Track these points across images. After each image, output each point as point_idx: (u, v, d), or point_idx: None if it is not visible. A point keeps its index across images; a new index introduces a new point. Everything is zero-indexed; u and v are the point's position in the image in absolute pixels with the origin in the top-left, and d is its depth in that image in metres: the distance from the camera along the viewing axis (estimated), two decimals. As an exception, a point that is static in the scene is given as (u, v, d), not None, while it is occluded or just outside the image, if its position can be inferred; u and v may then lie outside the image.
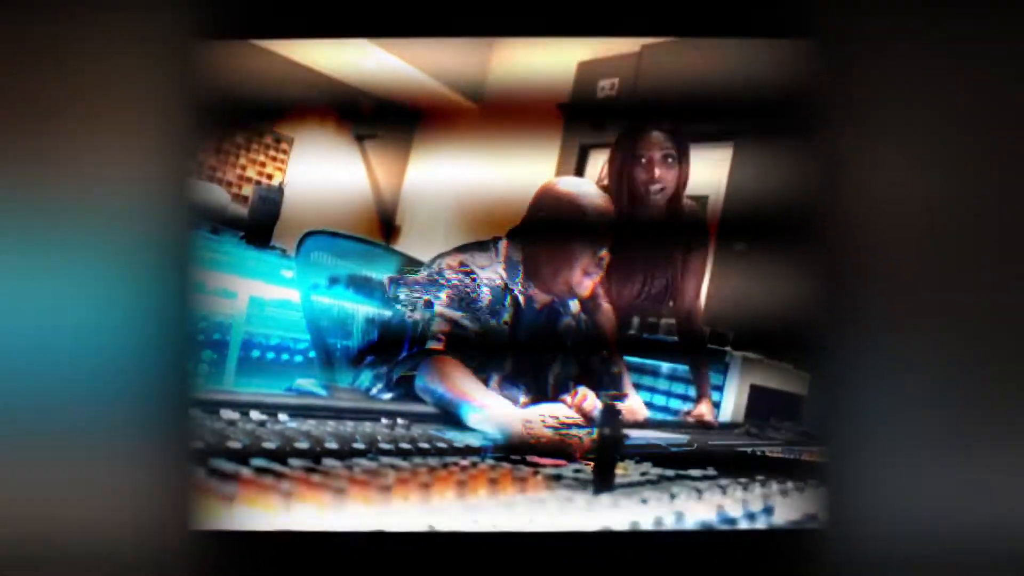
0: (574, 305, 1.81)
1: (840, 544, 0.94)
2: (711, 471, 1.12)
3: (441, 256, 1.62)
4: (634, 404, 1.94)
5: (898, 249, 0.95)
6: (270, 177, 4.93)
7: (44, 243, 0.83)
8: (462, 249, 1.65)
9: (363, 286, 1.94)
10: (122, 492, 0.83)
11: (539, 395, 1.69)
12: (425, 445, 1.06)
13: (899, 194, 0.95)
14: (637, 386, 2.66)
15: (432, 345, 1.47)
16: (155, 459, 0.84)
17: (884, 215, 0.95)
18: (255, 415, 1.07)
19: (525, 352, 1.68)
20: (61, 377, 0.82)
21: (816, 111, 0.99)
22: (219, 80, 0.93)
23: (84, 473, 0.83)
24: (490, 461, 1.03)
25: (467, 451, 1.10)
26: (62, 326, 0.82)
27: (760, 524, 0.89)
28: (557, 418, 1.23)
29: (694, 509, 0.90)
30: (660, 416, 2.66)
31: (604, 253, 1.64)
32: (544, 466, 1.06)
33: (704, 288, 2.44)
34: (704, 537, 0.87)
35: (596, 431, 0.98)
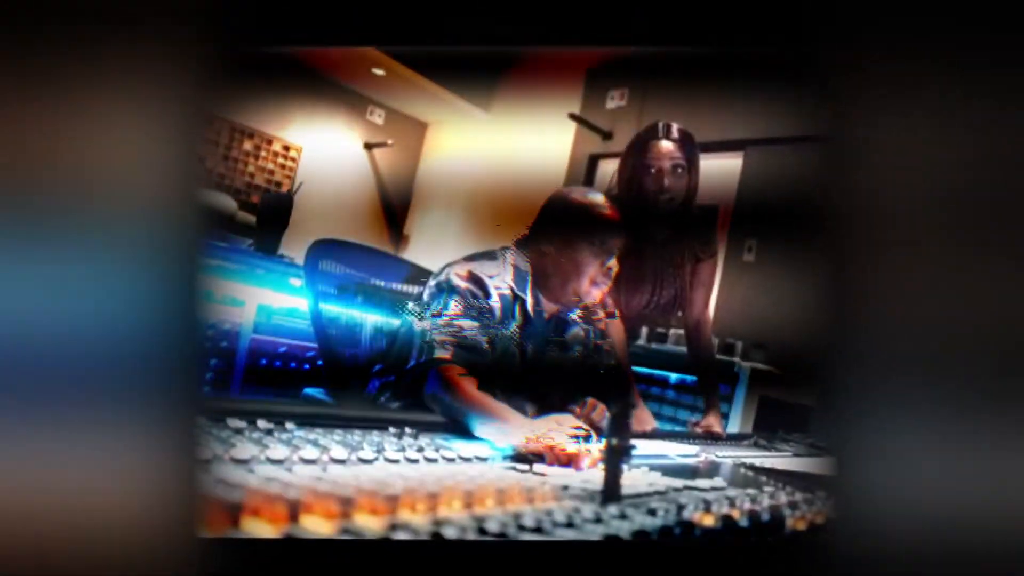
0: (582, 315, 1.81)
1: (849, 556, 0.94)
2: (719, 482, 1.12)
3: (450, 265, 1.61)
4: (642, 415, 1.93)
5: (910, 260, 0.94)
6: (279, 185, 4.96)
7: (48, 250, 0.83)
8: (471, 258, 1.64)
9: (371, 295, 1.94)
10: (127, 500, 0.83)
11: (547, 405, 1.69)
12: (432, 454, 1.06)
13: (913, 206, 0.94)
14: (645, 396, 2.66)
15: (440, 354, 1.47)
16: (161, 467, 0.84)
17: (897, 225, 0.94)
18: (262, 423, 1.07)
19: (533, 362, 1.68)
20: (65, 385, 0.82)
21: (825, 120, 0.99)
22: (230, 88, 0.93)
23: (88, 480, 0.83)
24: (498, 471, 1.03)
25: (475, 460, 1.10)
26: (67, 333, 0.82)
27: (768, 536, 0.88)
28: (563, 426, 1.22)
29: (702, 520, 0.89)
30: (668, 427, 2.66)
31: (613, 263, 1.63)
32: (551, 476, 1.06)
33: (713, 298, 2.44)
34: (711, 548, 0.86)
35: (604, 441, 0.97)
